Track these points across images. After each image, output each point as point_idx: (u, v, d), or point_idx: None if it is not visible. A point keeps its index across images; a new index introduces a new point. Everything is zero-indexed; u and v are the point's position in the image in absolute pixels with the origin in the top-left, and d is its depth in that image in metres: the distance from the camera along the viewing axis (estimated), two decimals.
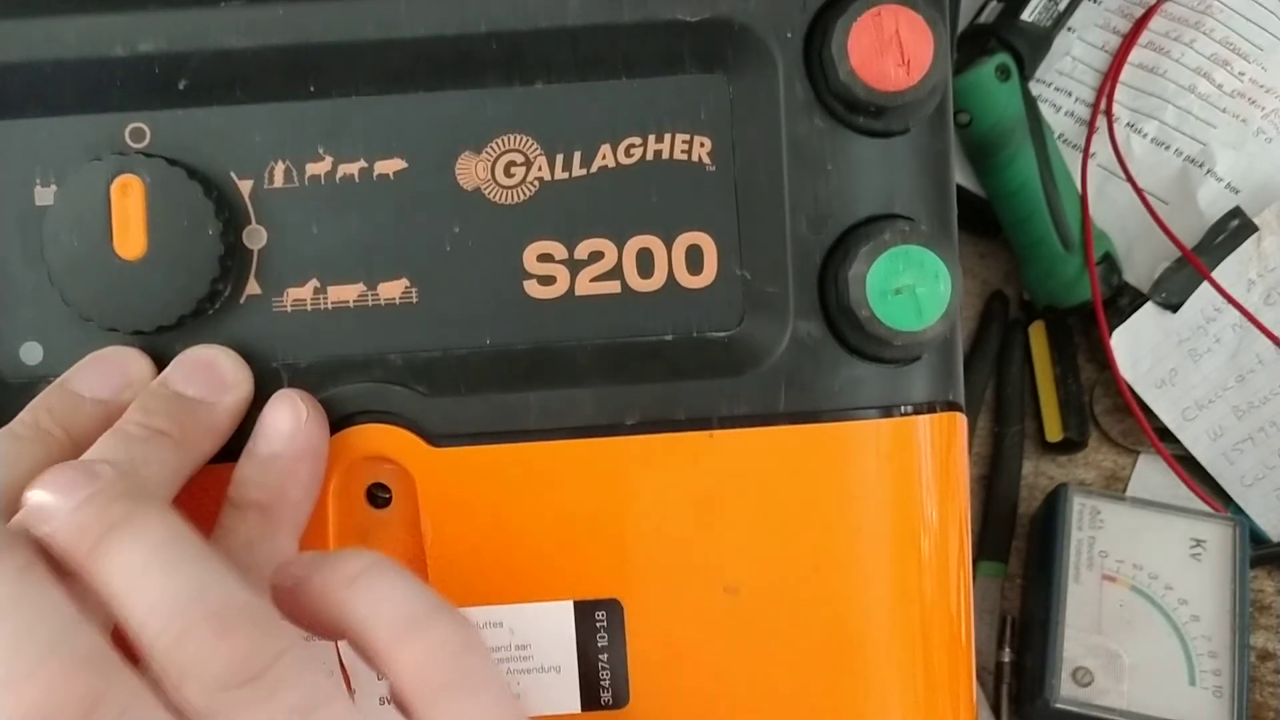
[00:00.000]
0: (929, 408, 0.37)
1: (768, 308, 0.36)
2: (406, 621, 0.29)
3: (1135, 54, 0.64)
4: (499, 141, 0.36)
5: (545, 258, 0.37)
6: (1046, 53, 0.63)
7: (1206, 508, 0.60)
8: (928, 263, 0.34)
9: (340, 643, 0.36)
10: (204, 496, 0.34)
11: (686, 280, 0.37)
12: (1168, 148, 0.63)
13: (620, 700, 0.37)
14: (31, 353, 0.37)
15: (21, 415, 0.34)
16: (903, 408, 0.36)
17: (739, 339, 0.37)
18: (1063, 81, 0.64)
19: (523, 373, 0.36)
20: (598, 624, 0.36)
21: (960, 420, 0.38)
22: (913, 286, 0.34)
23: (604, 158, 0.37)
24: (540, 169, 0.37)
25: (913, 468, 0.37)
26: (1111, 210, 0.63)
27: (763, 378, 0.36)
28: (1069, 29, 0.64)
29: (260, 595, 0.33)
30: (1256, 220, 0.60)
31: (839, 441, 0.36)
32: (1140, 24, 0.64)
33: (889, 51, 0.34)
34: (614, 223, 0.37)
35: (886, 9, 0.34)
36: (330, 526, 0.36)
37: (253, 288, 0.36)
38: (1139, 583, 0.57)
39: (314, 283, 0.37)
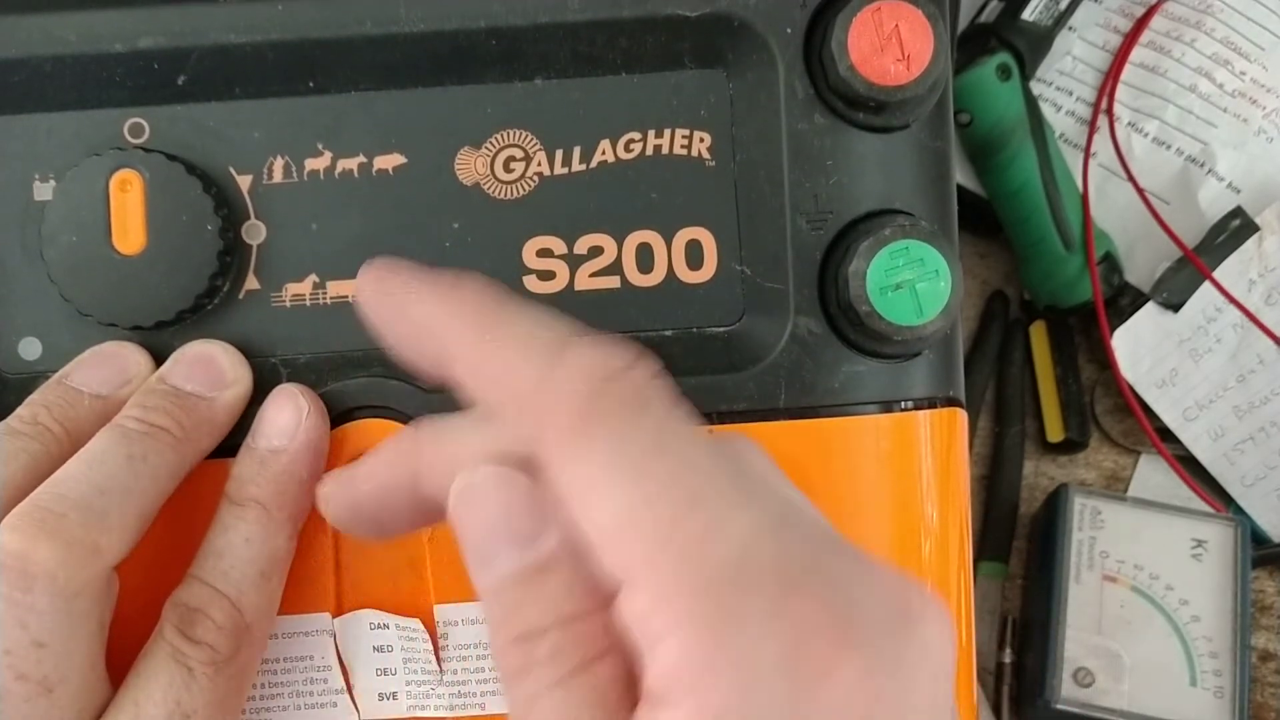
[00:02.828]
0: (929, 403, 0.37)
1: (768, 303, 0.36)
2: None
3: (1136, 53, 0.64)
4: (498, 137, 0.36)
5: (545, 253, 0.37)
6: (1047, 52, 0.63)
7: (1207, 508, 0.60)
8: (928, 258, 0.34)
9: (337, 640, 0.36)
10: (202, 492, 0.34)
11: (686, 276, 0.37)
12: (1169, 147, 0.63)
13: None
14: (30, 348, 0.36)
15: (19, 411, 0.34)
16: (903, 403, 0.36)
17: (739, 334, 0.36)
18: (1064, 81, 0.64)
19: None
20: None
21: (961, 416, 0.37)
22: (913, 282, 0.34)
23: (604, 153, 0.37)
24: (540, 164, 0.36)
25: (913, 463, 0.36)
26: (1112, 210, 0.63)
27: (762, 373, 0.36)
28: (1070, 28, 0.64)
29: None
30: (1257, 220, 0.60)
31: (839, 437, 0.36)
32: (1141, 23, 0.64)
33: (889, 47, 0.34)
34: (613, 218, 0.37)
35: (886, 5, 0.34)
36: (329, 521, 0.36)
37: (252, 283, 0.36)
38: (1140, 583, 0.57)
39: (313, 278, 0.36)
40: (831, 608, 0.23)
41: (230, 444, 0.35)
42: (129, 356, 0.35)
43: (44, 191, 0.36)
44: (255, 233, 0.36)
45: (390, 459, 0.30)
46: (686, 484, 0.24)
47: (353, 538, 0.36)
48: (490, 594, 0.26)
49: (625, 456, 0.24)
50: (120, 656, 0.32)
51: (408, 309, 0.28)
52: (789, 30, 0.36)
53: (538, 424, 0.25)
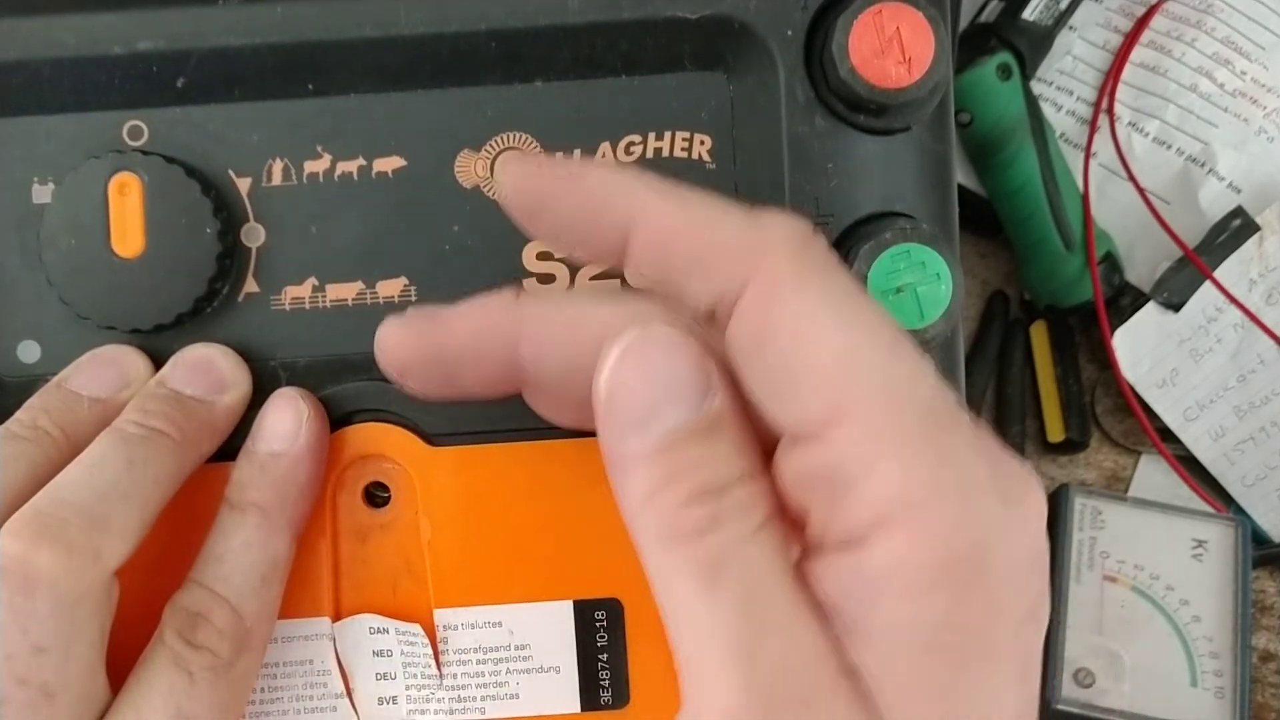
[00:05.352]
0: None
1: None
2: None
3: (1137, 53, 0.63)
4: (498, 139, 0.36)
5: (545, 256, 0.36)
6: (1048, 52, 0.63)
7: (1208, 508, 0.60)
8: (929, 261, 0.34)
9: (337, 644, 0.36)
10: (202, 496, 0.34)
11: None
12: (1169, 147, 0.63)
13: (620, 700, 0.36)
14: (29, 351, 0.36)
15: (18, 415, 0.34)
16: None
17: None
18: (1064, 80, 0.64)
19: None
20: (597, 624, 0.36)
21: None
22: (914, 285, 0.34)
23: (604, 155, 0.36)
24: None
25: None
26: (1113, 209, 0.63)
27: None
28: (1070, 28, 0.64)
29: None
30: (1258, 220, 0.60)
31: None
32: (1142, 23, 0.64)
33: (890, 50, 0.34)
34: None
35: (887, 7, 0.34)
36: (328, 526, 0.36)
37: (251, 286, 0.36)
38: (1140, 583, 0.57)
39: (312, 281, 0.36)
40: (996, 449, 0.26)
41: (230, 448, 0.35)
42: (128, 360, 0.35)
43: (43, 194, 0.36)
44: (254, 235, 0.36)
45: (491, 316, 0.30)
46: (890, 331, 0.26)
47: (351, 540, 0.36)
48: (654, 454, 0.26)
49: (840, 301, 0.26)
50: (120, 661, 0.32)
51: (585, 179, 0.29)
52: (790, 33, 0.36)
53: (749, 270, 0.26)
